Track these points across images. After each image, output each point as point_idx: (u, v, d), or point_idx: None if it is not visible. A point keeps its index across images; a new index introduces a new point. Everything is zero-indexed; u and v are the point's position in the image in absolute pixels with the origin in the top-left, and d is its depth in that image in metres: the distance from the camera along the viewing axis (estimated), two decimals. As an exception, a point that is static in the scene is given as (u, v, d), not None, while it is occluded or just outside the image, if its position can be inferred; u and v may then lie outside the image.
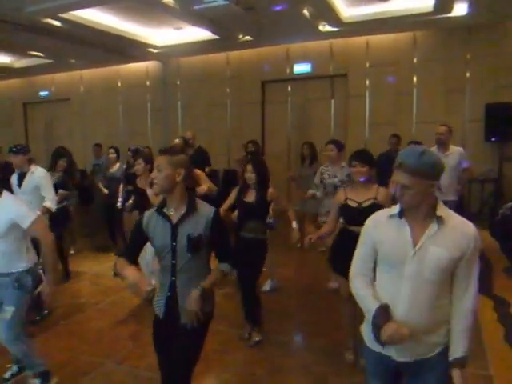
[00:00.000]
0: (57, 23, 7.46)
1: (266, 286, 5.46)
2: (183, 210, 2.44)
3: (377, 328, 1.96)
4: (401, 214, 2.02)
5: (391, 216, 2.05)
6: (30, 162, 4.91)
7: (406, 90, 9.21)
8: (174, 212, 2.46)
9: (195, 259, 2.46)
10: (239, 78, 10.68)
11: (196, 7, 6.14)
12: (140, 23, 8.56)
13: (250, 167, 4.13)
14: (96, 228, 8.39)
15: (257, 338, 4.21)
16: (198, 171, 4.90)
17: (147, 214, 2.56)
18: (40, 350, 3.64)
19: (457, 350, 1.98)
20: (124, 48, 9.57)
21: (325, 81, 9.97)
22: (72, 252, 7.30)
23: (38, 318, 4.80)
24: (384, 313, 1.97)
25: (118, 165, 7.45)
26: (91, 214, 8.86)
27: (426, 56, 8.96)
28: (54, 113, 13.57)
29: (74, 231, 7.70)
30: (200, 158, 7.26)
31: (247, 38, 9.03)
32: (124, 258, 2.51)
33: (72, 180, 6.38)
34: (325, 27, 8.45)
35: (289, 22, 7.94)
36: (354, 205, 3.53)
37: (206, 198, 4.65)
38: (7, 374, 3.58)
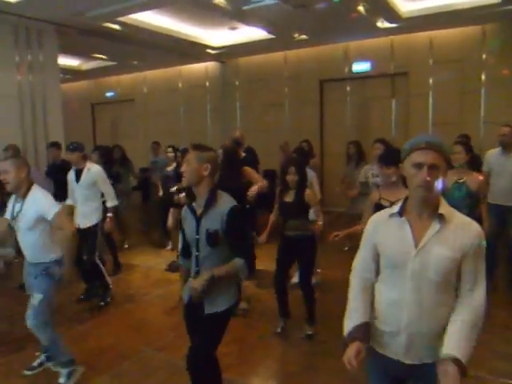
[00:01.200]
0: (116, 27, 7.99)
1: (295, 278, 5.56)
2: (204, 204, 2.67)
3: (344, 344, 2.00)
4: (401, 213, 1.99)
5: (391, 215, 2.03)
6: (85, 158, 5.35)
7: (473, 88, 8.93)
8: (200, 205, 2.70)
9: (215, 252, 2.69)
10: (297, 77, 10.83)
11: (245, 7, 6.37)
12: (196, 24, 8.93)
13: (293, 169, 4.30)
14: (152, 224, 8.85)
15: (309, 332, 4.43)
16: (247, 168, 5.00)
17: (184, 208, 2.85)
18: (90, 334, 4.03)
19: (453, 347, 1.84)
20: (183, 49, 10.00)
21: (385, 79, 9.91)
22: (126, 246, 7.78)
23: (102, 303, 5.34)
24: (358, 331, 2.00)
25: (174, 164, 7.63)
26: (148, 211, 9.36)
27: (495, 51, 8.64)
28: (119, 113, 14.39)
29: (129, 226, 8.16)
30: (252, 158, 7.43)
31: (303, 36, 9.15)
32: (182, 259, 2.99)
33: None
34: (383, 23, 8.39)
35: (344, 20, 7.98)
36: (387, 204, 3.56)
37: (261, 196, 4.91)
38: (35, 363, 3.81)
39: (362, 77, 10.11)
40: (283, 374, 3.94)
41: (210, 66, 12.12)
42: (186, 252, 2.91)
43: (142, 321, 4.97)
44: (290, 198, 4.36)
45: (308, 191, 4.37)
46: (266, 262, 5.98)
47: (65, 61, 10.92)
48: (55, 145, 6.85)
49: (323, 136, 10.80)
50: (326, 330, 4.55)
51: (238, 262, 2.65)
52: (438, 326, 1.92)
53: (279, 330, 4.52)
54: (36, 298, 3.41)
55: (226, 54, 10.82)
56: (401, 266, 1.95)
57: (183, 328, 4.57)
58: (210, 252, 2.69)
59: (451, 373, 1.77)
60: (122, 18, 7.64)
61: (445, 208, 1.94)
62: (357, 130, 10.28)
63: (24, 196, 3.40)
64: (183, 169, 2.71)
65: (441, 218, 1.90)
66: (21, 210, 3.39)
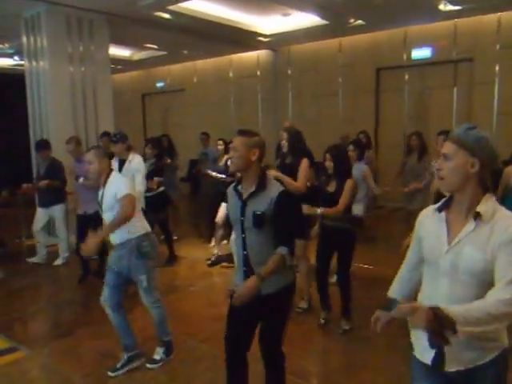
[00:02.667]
0: (167, 16, 8.17)
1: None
2: (253, 188, 2.74)
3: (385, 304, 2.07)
4: (441, 208, 1.99)
5: (435, 209, 2.03)
6: (129, 149, 5.60)
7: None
8: (246, 189, 2.79)
9: (261, 234, 2.74)
10: (352, 65, 10.71)
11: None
12: (248, 12, 8.99)
13: (328, 156, 4.40)
14: (201, 217, 9.04)
15: (346, 327, 4.49)
16: (304, 161, 4.85)
17: (228, 190, 2.95)
18: (136, 322, 4.21)
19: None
20: (234, 37, 10.12)
21: (447, 66, 9.64)
22: (175, 238, 7.99)
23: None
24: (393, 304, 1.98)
25: (225, 158, 7.47)
26: (197, 203, 9.57)
27: None
28: (169, 103, 14.73)
29: (178, 218, 8.37)
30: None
31: (359, 22, 9.03)
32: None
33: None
34: (446, 6, 8.13)
35: (404, 3, 7.81)
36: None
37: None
38: (118, 364, 3.94)
39: (422, 64, 9.87)
40: (326, 370, 3.99)
41: (261, 54, 12.18)
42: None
43: (187, 312, 5.13)
44: (331, 187, 4.43)
45: (349, 181, 4.36)
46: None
47: (116, 51, 11.28)
48: (107, 135, 7.17)
49: (378, 127, 10.64)
50: (368, 326, 4.53)
51: (282, 250, 2.67)
52: None
53: (322, 321, 4.63)
54: (142, 280, 3.83)
55: (278, 42, 10.83)
56: (434, 263, 1.97)
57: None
58: (257, 234, 2.74)
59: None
60: (172, 7, 7.81)
61: (485, 206, 1.86)
62: (415, 121, 10.07)
63: (105, 183, 3.81)
64: (230, 155, 2.81)
65: (477, 216, 1.85)
66: (103, 194, 3.81)
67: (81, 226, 5.94)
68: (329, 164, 4.38)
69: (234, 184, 2.90)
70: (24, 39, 8.16)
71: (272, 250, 2.70)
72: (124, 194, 3.70)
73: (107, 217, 3.83)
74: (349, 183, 4.35)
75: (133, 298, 4.74)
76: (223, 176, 7.06)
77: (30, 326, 5.08)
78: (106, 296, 3.85)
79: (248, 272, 2.78)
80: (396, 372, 3.74)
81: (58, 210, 6.82)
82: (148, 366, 3.97)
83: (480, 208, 1.85)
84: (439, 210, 1.99)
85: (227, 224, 7.01)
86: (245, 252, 2.80)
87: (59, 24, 7.79)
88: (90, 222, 5.33)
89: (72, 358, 4.21)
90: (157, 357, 4.02)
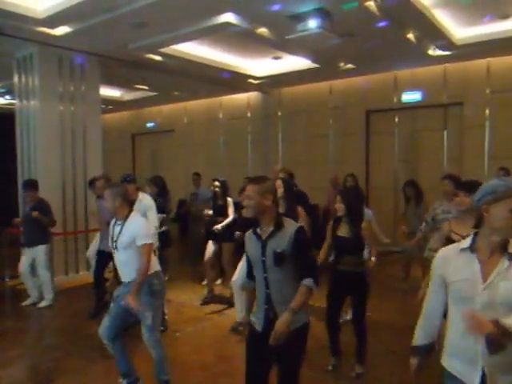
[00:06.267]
0: (158, 58, 8.37)
1: (347, 316, 5.55)
2: (271, 228, 2.90)
3: (412, 351, 2.42)
4: (472, 248, 2.17)
5: (462, 250, 2.21)
6: (138, 190, 5.70)
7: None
8: (265, 230, 2.92)
9: (283, 272, 2.86)
10: (342, 108, 10.95)
11: (289, 36, 6.52)
12: (239, 54, 9.23)
13: (338, 198, 4.45)
14: (190, 257, 9.01)
15: (359, 371, 4.45)
16: (299, 209, 4.99)
17: (246, 234, 3.09)
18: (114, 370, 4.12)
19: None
20: (225, 79, 10.32)
21: (437, 110, 9.88)
22: (166, 278, 7.87)
23: (162, 328, 5.45)
24: (422, 349, 2.37)
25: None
26: (185, 243, 9.51)
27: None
28: (159, 143, 14.88)
29: (168, 258, 8.29)
30: (302, 193, 7.35)
31: (349, 65, 9.28)
32: (248, 280, 3.15)
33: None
34: (435, 51, 8.42)
35: (393, 48, 8.08)
36: (457, 239, 3.45)
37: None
38: None
39: (412, 107, 10.12)
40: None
41: (252, 96, 12.42)
42: (250, 274, 3.11)
43: (171, 359, 4.91)
44: (344, 232, 4.41)
45: (364, 225, 4.43)
46: (316, 297, 5.96)
47: (106, 91, 11.47)
48: (93, 181, 7.15)
49: (369, 169, 10.78)
50: (379, 366, 4.62)
51: (308, 282, 2.83)
52: None
53: (330, 367, 4.58)
54: (147, 317, 3.94)
55: (269, 84, 11.08)
56: (468, 300, 2.12)
57: (213, 368, 4.72)
58: (278, 272, 2.86)
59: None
60: (164, 49, 8.03)
61: None
62: (405, 164, 10.24)
63: (125, 219, 3.98)
64: (245, 203, 2.93)
65: (510, 256, 2.10)
66: (121, 231, 3.96)
67: (100, 262, 6.31)
68: (339, 206, 4.39)
69: (251, 229, 3.03)
70: (16, 79, 8.32)
71: (293, 287, 2.85)
72: (145, 242, 3.90)
73: (119, 255, 4.00)
74: (366, 230, 4.42)
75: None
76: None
77: (8, 372, 4.88)
78: (105, 325, 3.99)
79: (269, 310, 2.90)
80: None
81: (40, 251, 6.76)
82: None
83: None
84: (471, 250, 2.18)
85: (216, 264, 7.12)
86: (267, 290, 2.90)
87: (51, 64, 7.99)
88: (108, 258, 5.58)
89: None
90: None
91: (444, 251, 2.33)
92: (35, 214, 6.58)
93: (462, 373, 2.16)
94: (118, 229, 3.99)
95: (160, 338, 4.10)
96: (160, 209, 6.45)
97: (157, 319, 4.04)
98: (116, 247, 3.99)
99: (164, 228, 6.71)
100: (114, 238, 3.99)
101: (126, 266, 4.01)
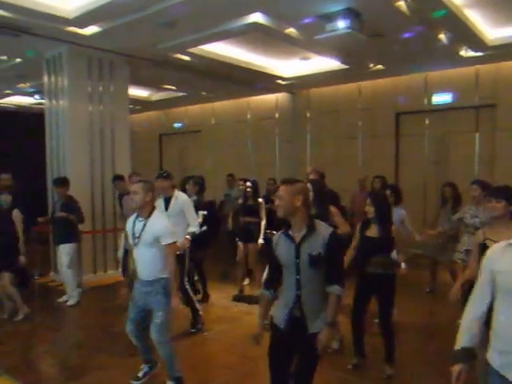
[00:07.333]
0: (186, 58, 8.44)
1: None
2: (304, 231, 2.94)
3: (453, 357, 2.38)
4: None
5: (510, 244, 2.30)
6: (174, 187, 5.69)
7: None
8: (297, 233, 2.97)
9: (316, 274, 2.93)
10: (372, 109, 10.85)
11: (318, 36, 6.48)
12: (267, 55, 9.22)
13: (369, 201, 4.53)
14: (221, 257, 9.20)
15: (389, 372, 4.49)
16: (332, 209, 5.03)
17: (275, 237, 3.14)
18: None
19: None
20: (253, 80, 10.35)
21: (468, 112, 9.69)
22: (196, 278, 7.93)
23: (193, 330, 5.72)
24: (463, 354, 2.35)
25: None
26: (217, 244, 9.53)
27: None
28: (186, 143, 14.95)
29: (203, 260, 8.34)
30: (333, 193, 7.37)
31: (379, 66, 9.20)
32: (264, 290, 3.19)
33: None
34: (467, 52, 8.29)
35: (424, 49, 7.97)
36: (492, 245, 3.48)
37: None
38: (140, 373, 4.34)
39: (443, 109, 9.95)
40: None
41: (280, 96, 12.40)
42: (271, 282, 3.17)
43: (199, 358, 5.04)
44: (373, 232, 4.49)
45: (393, 228, 4.50)
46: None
47: (135, 91, 11.62)
48: (119, 178, 7.41)
49: (398, 172, 10.65)
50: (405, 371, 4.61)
51: (336, 290, 2.92)
52: None
53: (350, 366, 4.64)
54: (159, 316, 4.00)
55: (297, 85, 11.04)
56: None
57: (239, 368, 4.73)
58: (312, 274, 2.92)
59: None
60: (192, 49, 8.07)
61: None
62: (436, 167, 10.09)
63: (147, 217, 4.01)
64: (276, 203, 3.00)
65: None
66: (143, 228, 3.97)
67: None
68: (369, 209, 4.49)
69: (282, 230, 3.06)
70: (45, 79, 8.49)
71: (322, 287, 2.94)
72: (170, 241, 3.99)
73: (141, 252, 4.03)
74: (395, 231, 4.51)
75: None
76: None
77: (38, 367, 5.02)
78: (130, 329, 4.16)
79: (296, 309, 2.96)
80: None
81: (67, 248, 6.88)
82: None
83: None
84: None
85: (246, 263, 7.25)
86: (298, 292, 2.96)
87: (80, 64, 8.12)
88: None
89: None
90: None
91: (493, 248, 2.42)
92: (61, 214, 6.72)
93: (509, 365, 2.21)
94: (140, 225, 4.01)
95: (169, 337, 4.13)
96: (200, 207, 6.55)
97: (167, 320, 4.07)
98: (137, 244, 4.01)
99: (204, 228, 6.63)
100: (136, 235, 4.00)
101: (147, 264, 4.03)
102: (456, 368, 2.35)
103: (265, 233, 6.93)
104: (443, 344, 5.23)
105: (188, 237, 5.58)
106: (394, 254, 4.55)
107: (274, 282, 3.16)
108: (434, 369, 4.65)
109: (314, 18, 6.40)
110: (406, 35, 7.08)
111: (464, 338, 2.40)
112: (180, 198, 5.60)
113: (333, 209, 4.93)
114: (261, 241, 6.94)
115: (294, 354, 3.02)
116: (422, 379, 4.57)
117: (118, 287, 7.74)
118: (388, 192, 6.11)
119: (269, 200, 7.36)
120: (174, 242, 4.05)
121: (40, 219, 7.36)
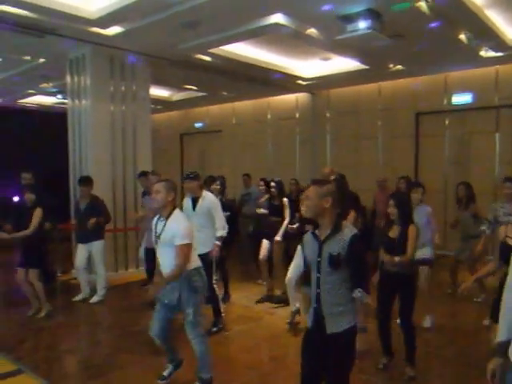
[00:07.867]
0: (207, 58, 8.51)
1: (427, 323, 5.77)
2: (329, 231, 2.97)
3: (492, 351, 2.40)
4: None
5: None
6: (202, 187, 5.74)
7: None
8: (323, 232, 3.00)
9: (336, 274, 2.94)
10: (391, 109, 10.82)
11: (339, 37, 6.49)
12: (287, 55, 9.26)
13: (391, 202, 4.53)
14: (240, 256, 9.23)
15: (411, 374, 4.46)
16: (351, 214, 5.12)
17: (305, 235, 3.18)
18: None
19: None
20: (274, 80, 10.39)
21: (489, 112, 9.60)
22: (216, 278, 7.98)
23: (214, 329, 5.69)
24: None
25: (267, 196, 7.64)
26: (236, 244, 9.57)
27: None
28: (207, 143, 15.06)
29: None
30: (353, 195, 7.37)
31: (399, 67, 9.17)
32: (304, 286, 3.21)
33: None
34: (487, 52, 8.23)
35: (444, 49, 7.94)
36: (511, 242, 3.42)
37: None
38: (165, 372, 4.31)
39: (463, 109, 9.89)
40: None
41: (300, 97, 12.43)
42: (306, 278, 3.18)
43: (221, 358, 4.89)
44: (395, 233, 4.52)
45: (411, 227, 4.47)
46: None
47: (156, 91, 11.72)
48: (144, 174, 7.50)
49: (418, 172, 10.60)
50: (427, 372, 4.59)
51: (360, 295, 2.90)
52: None
53: (381, 366, 4.64)
54: (190, 314, 4.02)
55: (317, 85, 11.06)
56: None
57: (263, 367, 4.78)
58: (331, 274, 2.94)
59: None
60: (213, 50, 8.15)
61: None
62: (456, 167, 10.02)
63: (167, 216, 4.03)
64: (304, 204, 3.03)
65: None
66: (164, 228, 4.00)
67: (149, 259, 6.55)
68: (392, 210, 4.50)
69: (311, 230, 3.10)
70: (68, 79, 8.63)
71: (343, 289, 2.94)
72: (183, 242, 3.92)
73: (162, 250, 4.07)
74: (413, 231, 4.46)
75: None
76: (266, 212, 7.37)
77: (60, 365, 5.02)
78: (155, 331, 4.13)
79: (317, 309, 2.99)
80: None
81: (97, 246, 6.99)
82: None
83: None
84: None
85: (269, 262, 7.24)
86: (318, 290, 2.99)
87: (103, 64, 8.25)
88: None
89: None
90: None
91: None
92: (92, 222, 6.73)
93: None
94: (161, 224, 4.05)
95: (203, 333, 4.15)
96: (225, 207, 6.49)
97: (198, 315, 4.08)
98: (158, 242, 4.07)
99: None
100: (158, 233, 4.05)
101: (168, 261, 4.04)
102: (494, 361, 2.34)
103: (285, 231, 6.93)
104: (464, 346, 5.26)
105: (218, 242, 5.61)
106: (423, 252, 4.75)
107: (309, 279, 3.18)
108: (455, 370, 4.64)
109: (334, 19, 6.41)
110: (426, 36, 7.04)
111: (503, 331, 2.36)
112: (208, 198, 5.63)
113: (350, 215, 4.98)
114: (278, 238, 6.91)
115: (323, 354, 2.99)
116: (443, 381, 4.56)
117: (138, 285, 7.78)
118: (421, 190, 5.86)
119: (292, 200, 7.37)
120: (188, 244, 3.98)
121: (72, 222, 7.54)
